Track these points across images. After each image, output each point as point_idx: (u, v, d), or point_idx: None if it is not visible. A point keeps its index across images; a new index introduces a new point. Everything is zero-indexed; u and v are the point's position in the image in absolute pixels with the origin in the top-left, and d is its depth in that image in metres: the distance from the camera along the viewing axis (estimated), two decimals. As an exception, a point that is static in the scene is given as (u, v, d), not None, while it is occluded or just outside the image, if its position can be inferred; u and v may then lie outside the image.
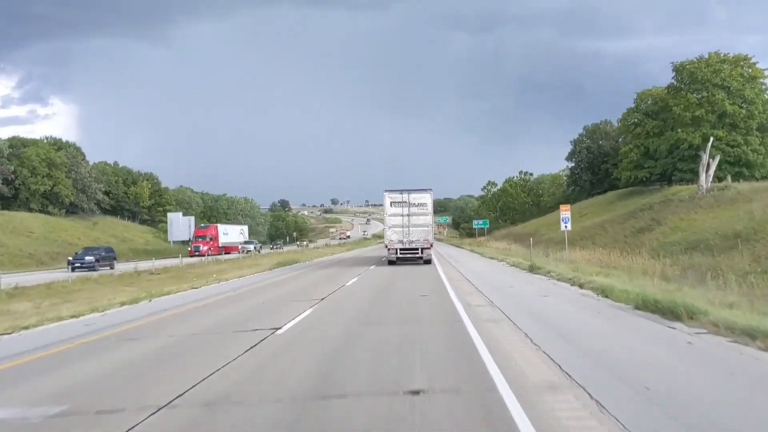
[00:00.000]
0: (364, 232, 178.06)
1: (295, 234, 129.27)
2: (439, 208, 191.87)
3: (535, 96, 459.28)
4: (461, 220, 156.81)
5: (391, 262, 30.12)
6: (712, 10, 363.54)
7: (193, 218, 75.55)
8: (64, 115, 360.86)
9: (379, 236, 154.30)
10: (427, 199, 29.96)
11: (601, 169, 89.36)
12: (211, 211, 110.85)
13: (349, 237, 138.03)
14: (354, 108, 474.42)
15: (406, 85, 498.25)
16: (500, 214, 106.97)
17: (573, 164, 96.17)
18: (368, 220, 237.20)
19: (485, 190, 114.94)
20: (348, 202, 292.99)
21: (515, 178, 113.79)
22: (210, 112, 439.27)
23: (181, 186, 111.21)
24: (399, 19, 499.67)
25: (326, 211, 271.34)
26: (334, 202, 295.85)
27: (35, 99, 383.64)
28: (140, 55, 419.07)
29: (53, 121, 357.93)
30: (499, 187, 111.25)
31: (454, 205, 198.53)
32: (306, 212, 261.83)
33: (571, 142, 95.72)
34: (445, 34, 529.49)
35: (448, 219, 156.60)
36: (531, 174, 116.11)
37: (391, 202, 29.67)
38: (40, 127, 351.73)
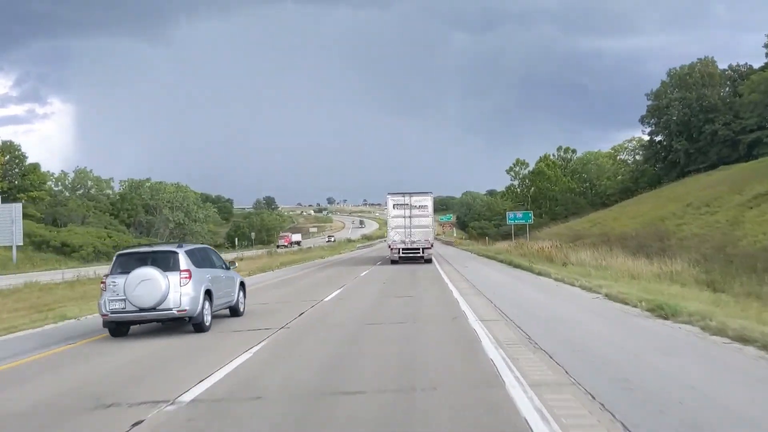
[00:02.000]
0: (330, 237, 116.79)
1: (253, 235, 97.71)
2: (441, 206, 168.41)
3: (538, 94, 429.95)
4: (468, 218, 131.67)
5: (393, 262, 30.15)
6: (713, 8, 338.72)
7: (19, 206, 43.35)
8: (63, 114, 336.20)
9: (369, 237, 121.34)
10: (428, 201, 31.05)
11: (704, 131, 57.08)
12: (124, 201, 78.60)
13: (299, 244, 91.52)
14: (353, 106, 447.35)
15: (407, 83, 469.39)
16: (531, 205, 74.60)
17: (651, 128, 63.86)
18: (362, 221, 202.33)
19: (512, 173, 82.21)
20: (345, 201, 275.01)
21: (552, 156, 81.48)
22: (208, 111, 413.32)
23: (83, 167, 79.36)
24: (400, 16, 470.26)
25: (320, 210, 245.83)
26: (330, 201, 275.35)
27: (33, 98, 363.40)
28: (139, 54, 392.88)
29: (52, 120, 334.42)
30: (531, 168, 78.98)
31: (458, 202, 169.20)
32: (311, 211, 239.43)
33: (647, 95, 63.51)
34: (446, 32, 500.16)
35: (452, 217, 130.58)
36: (574, 151, 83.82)
37: (394, 205, 30.85)
38: (39, 126, 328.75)
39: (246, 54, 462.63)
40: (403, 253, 29.90)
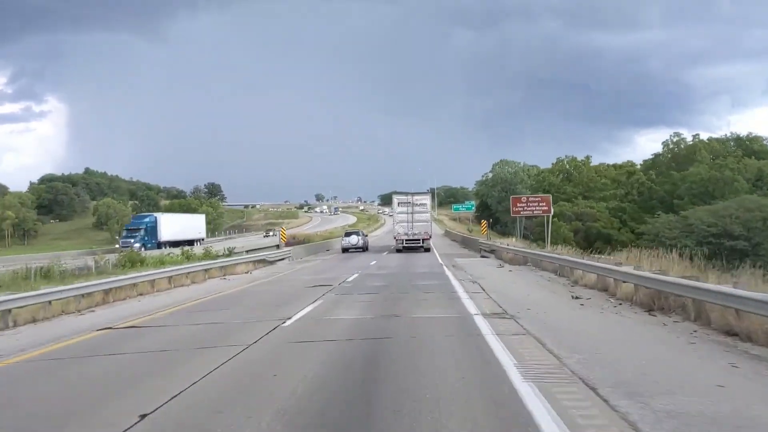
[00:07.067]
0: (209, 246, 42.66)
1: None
2: (448, 198, 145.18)
3: (540, 92, 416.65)
4: (503, 208, 71.52)
5: (398, 250, 37.05)
6: (716, 3, 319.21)
7: None
8: (61, 112, 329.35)
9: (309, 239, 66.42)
10: (426, 200, 38.68)
11: None
12: None
13: None
14: (352, 104, 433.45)
15: (408, 80, 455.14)
16: None
17: None
18: (315, 219, 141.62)
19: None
20: (335, 197, 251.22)
21: None
22: (206, 109, 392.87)
23: None
24: (401, 13, 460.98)
25: (305, 208, 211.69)
26: (318, 197, 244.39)
27: (29, 96, 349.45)
28: (138, 51, 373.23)
29: (48, 118, 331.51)
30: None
31: (487, 181, 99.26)
32: (293, 207, 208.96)
33: None
34: (448, 29, 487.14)
35: (474, 207, 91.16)
36: None
37: (398, 203, 38.26)
38: (35, 125, 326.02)
39: (239, 52, 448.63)
40: (406, 243, 37.36)
